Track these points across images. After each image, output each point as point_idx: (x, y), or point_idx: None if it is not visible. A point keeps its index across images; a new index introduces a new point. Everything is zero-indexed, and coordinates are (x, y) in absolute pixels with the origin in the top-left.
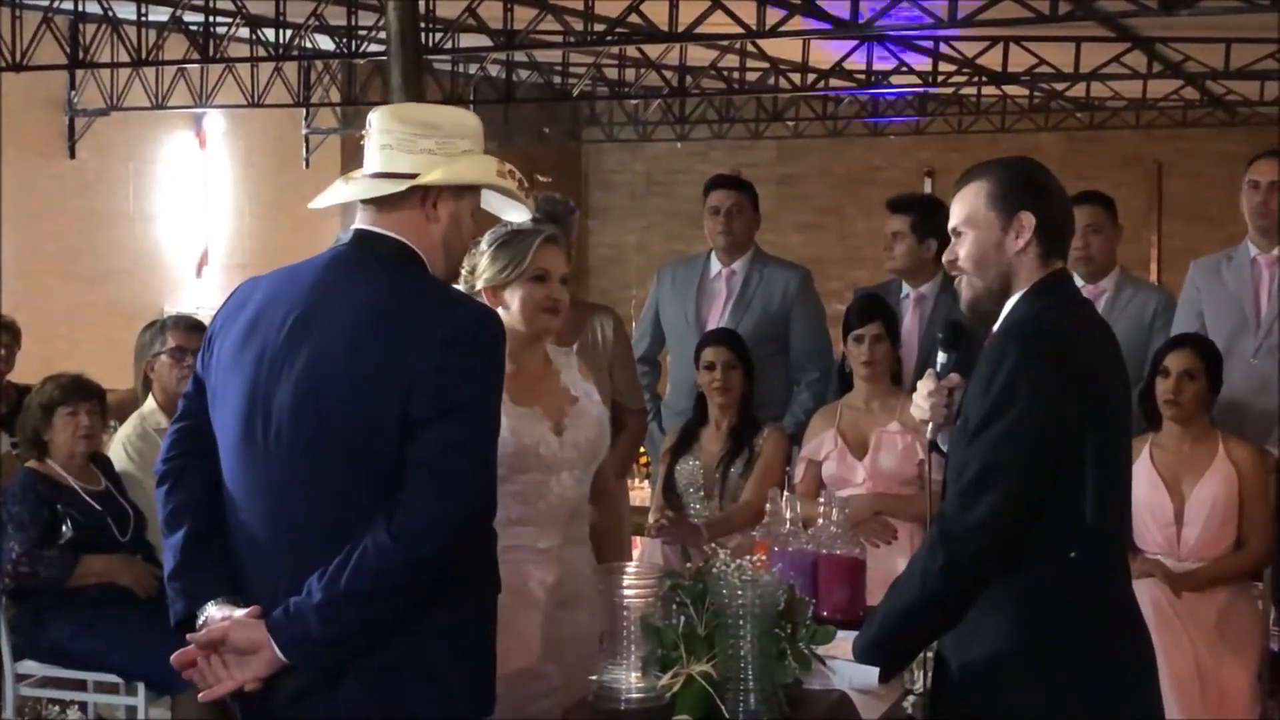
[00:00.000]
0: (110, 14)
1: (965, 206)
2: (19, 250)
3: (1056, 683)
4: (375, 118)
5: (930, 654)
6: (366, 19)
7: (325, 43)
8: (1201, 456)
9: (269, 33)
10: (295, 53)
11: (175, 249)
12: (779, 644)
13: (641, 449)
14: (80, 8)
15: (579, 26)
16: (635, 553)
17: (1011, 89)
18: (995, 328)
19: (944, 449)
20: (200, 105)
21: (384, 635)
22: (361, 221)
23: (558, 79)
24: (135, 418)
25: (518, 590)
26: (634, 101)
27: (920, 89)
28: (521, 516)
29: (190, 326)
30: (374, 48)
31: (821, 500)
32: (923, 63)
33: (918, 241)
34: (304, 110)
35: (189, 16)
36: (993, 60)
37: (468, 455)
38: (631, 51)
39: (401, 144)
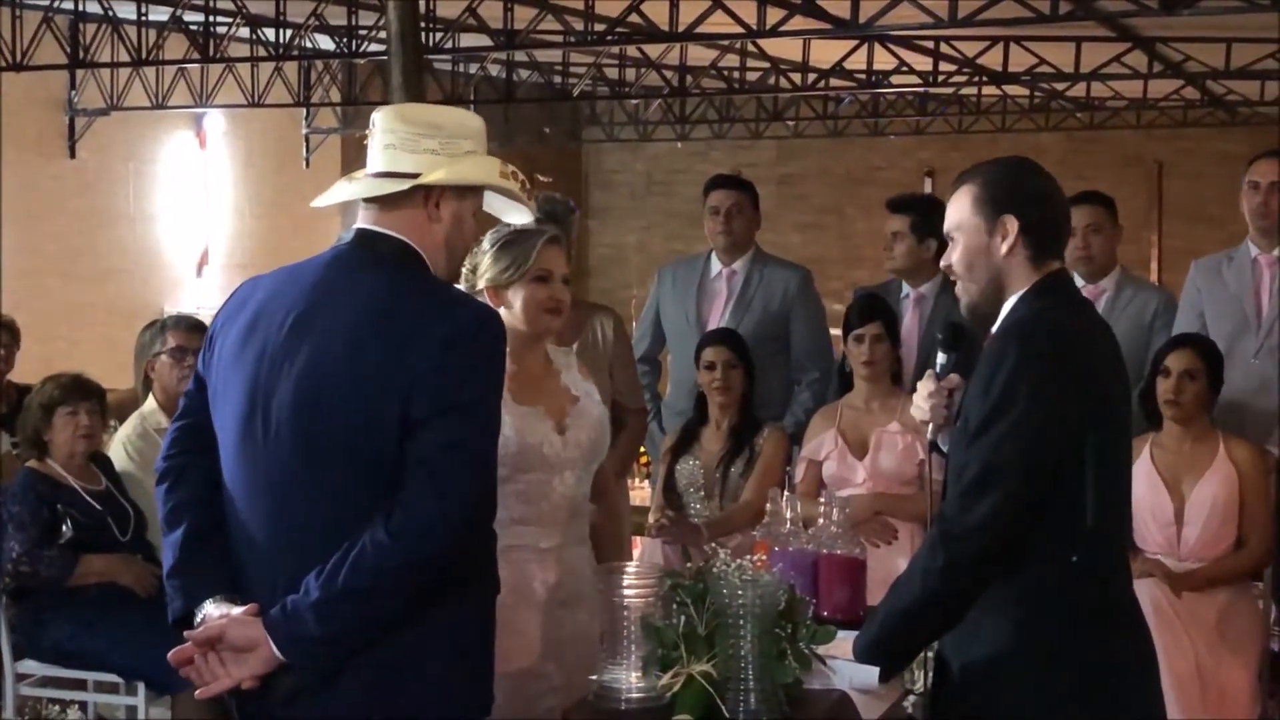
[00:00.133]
0: (110, 14)
1: (955, 211)
2: (19, 250)
3: (1057, 683)
4: (379, 117)
5: (931, 654)
6: (367, 19)
7: (325, 42)
8: (1202, 456)
9: (269, 32)
10: (295, 52)
11: (175, 249)
12: (779, 644)
13: (642, 449)
14: (80, 7)
15: (579, 26)
16: (635, 552)
17: (1012, 89)
18: (994, 329)
19: (944, 450)
20: (200, 105)
21: (381, 634)
22: (364, 221)
23: (558, 79)
24: (135, 417)
25: (519, 589)
26: (634, 101)
27: (920, 89)
28: (524, 516)
29: (190, 326)
30: (374, 47)
31: (822, 500)
32: (923, 62)
33: (917, 241)
34: (304, 110)
35: (189, 16)
36: (993, 60)
37: (467, 455)
38: (632, 51)
39: (405, 144)
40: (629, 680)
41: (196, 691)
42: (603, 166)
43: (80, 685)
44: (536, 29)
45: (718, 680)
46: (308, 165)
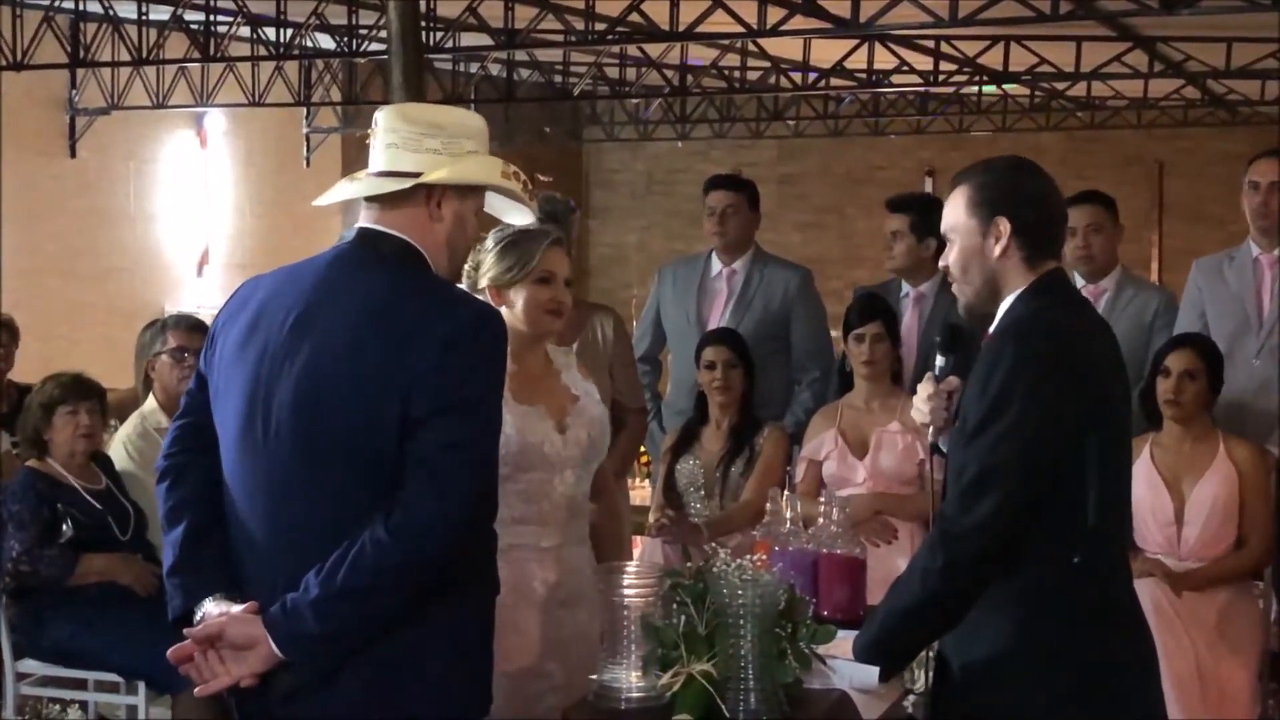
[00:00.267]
0: (111, 13)
1: (949, 214)
2: (19, 249)
3: (1057, 683)
4: (381, 117)
5: (931, 653)
6: (367, 18)
7: (326, 42)
8: (1202, 456)
9: (270, 32)
10: (296, 52)
11: (176, 248)
12: (779, 643)
13: (642, 448)
14: (81, 7)
15: (580, 26)
16: (635, 552)
17: (1012, 88)
18: (992, 329)
19: (945, 451)
20: (201, 104)
21: (381, 633)
22: (365, 220)
23: (559, 78)
24: (136, 417)
25: (520, 589)
26: (635, 101)
27: (921, 88)
28: (525, 515)
29: (191, 326)
30: (375, 47)
31: (822, 500)
32: (924, 62)
33: (917, 240)
34: (305, 109)
35: (190, 15)
36: (994, 59)
37: (468, 454)
38: (632, 50)
39: (407, 143)
40: (629, 680)
41: (196, 689)
42: (603, 166)
43: (81, 685)
44: (537, 28)
45: (718, 680)
46: (308, 165)
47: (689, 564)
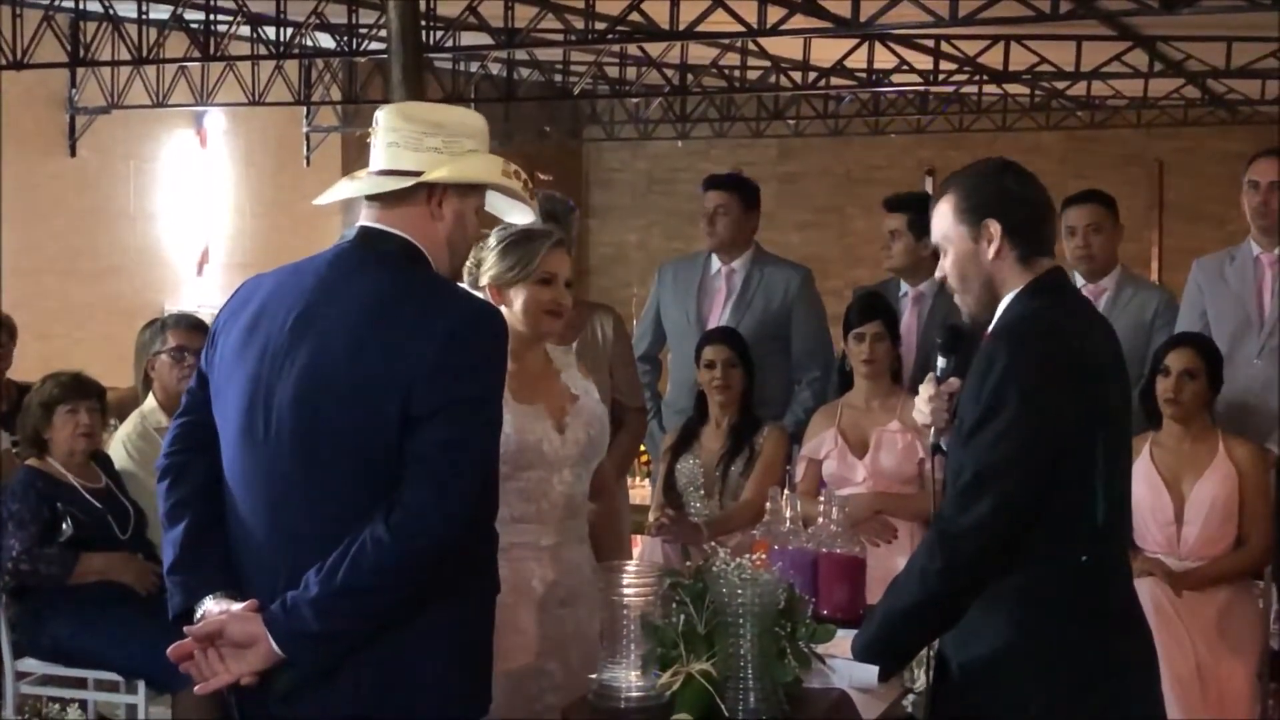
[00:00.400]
0: (111, 12)
1: (938, 225)
2: (19, 248)
3: (1057, 682)
4: (382, 116)
5: (931, 652)
6: (367, 17)
7: (326, 41)
8: (1201, 455)
9: (270, 31)
10: (296, 51)
11: (176, 247)
12: (779, 643)
13: (642, 447)
14: (81, 6)
15: (580, 25)
16: (635, 551)
17: (1012, 88)
18: (990, 328)
19: (947, 451)
20: (201, 103)
21: (381, 632)
22: (366, 219)
23: (559, 77)
24: (135, 416)
25: (519, 588)
26: (635, 100)
27: (921, 87)
28: (524, 514)
29: (190, 325)
30: (375, 46)
31: (821, 499)
32: (924, 61)
33: (915, 239)
34: (305, 108)
35: (190, 14)
36: (994, 59)
37: (468, 453)
38: (632, 50)
39: (408, 142)
40: (628, 679)
41: (196, 687)
42: (603, 165)
43: (80, 684)
44: (537, 27)
45: (717, 679)
46: (308, 164)
47: (688, 563)
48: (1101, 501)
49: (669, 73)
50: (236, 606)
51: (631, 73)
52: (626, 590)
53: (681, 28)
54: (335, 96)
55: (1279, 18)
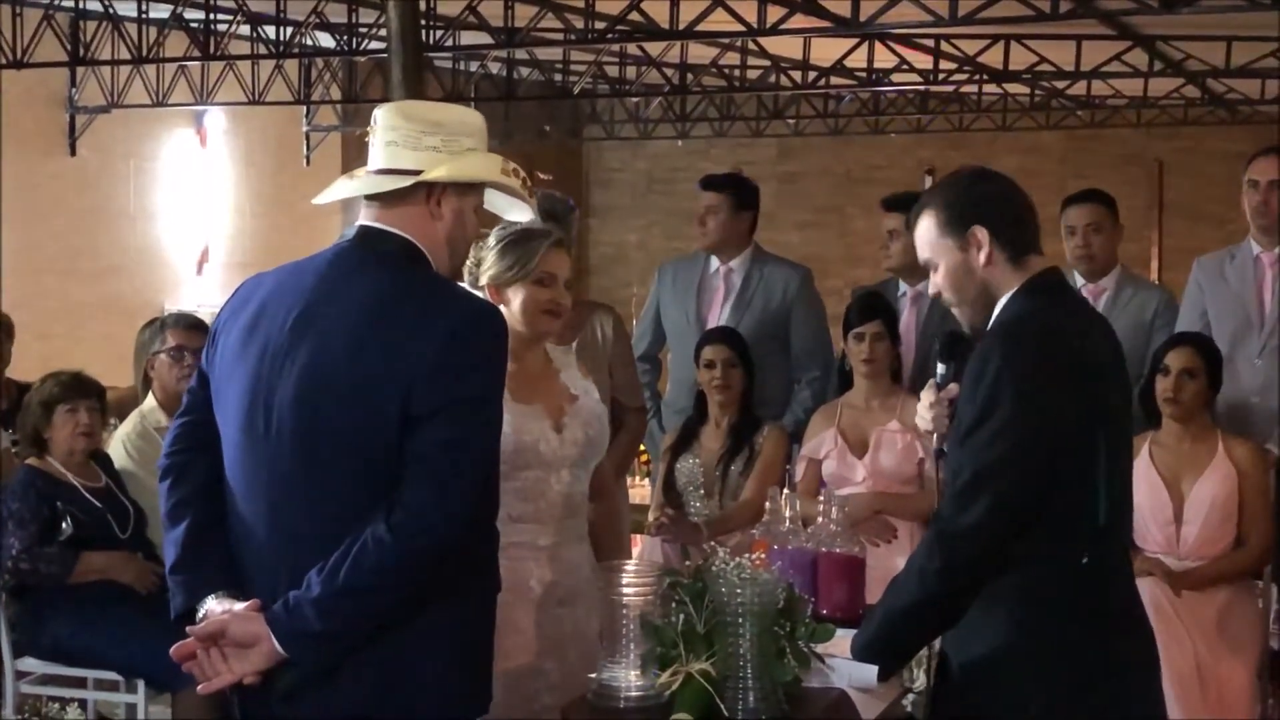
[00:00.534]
0: (111, 11)
1: (923, 245)
2: (19, 248)
3: (1058, 682)
4: (380, 114)
5: (932, 651)
6: (367, 16)
7: (326, 40)
8: (1201, 455)
9: (270, 30)
10: (296, 50)
11: (176, 247)
12: (778, 642)
13: (642, 447)
14: (81, 5)
15: (580, 24)
16: (635, 551)
17: (1012, 87)
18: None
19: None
20: (201, 103)
21: (383, 631)
22: (366, 218)
23: (559, 76)
24: (135, 415)
25: (516, 587)
26: (635, 99)
27: (921, 87)
28: (522, 514)
29: (190, 325)
30: (375, 45)
31: (821, 499)
32: (924, 61)
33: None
34: (305, 108)
35: (190, 14)
36: (994, 58)
37: (468, 452)
38: (632, 49)
39: (407, 141)
40: (628, 678)
41: (199, 687)
42: (603, 164)
43: (80, 683)
44: (537, 27)
45: (716, 679)
46: (308, 163)
47: (688, 563)
48: (1103, 502)
49: (669, 72)
50: (239, 606)
51: (631, 72)
52: (626, 590)
53: (681, 27)
54: (335, 96)
55: (1279, 17)
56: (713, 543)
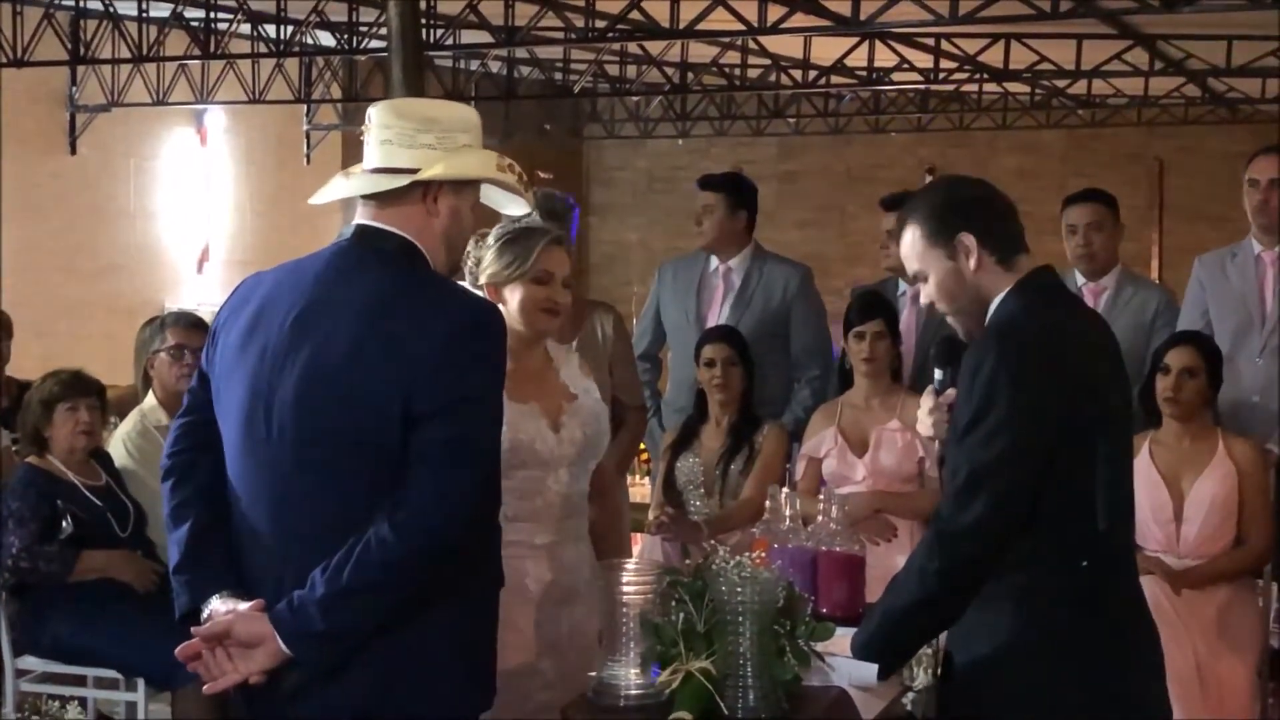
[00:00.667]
0: (111, 10)
1: (910, 258)
2: (19, 246)
3: (1060, 681)
4: (374, 113)
5: (933, 649)
6: (368, 15)
7: (326, 39)
8: (1201, 454)
9: (270, 29)
10: (296, 49)
11: (176, 245)
12: (778, 641)
13: (642, 446)
14: (81, 4)
15: (580, 23)
16: (635, 549)
17: (1013, 86)
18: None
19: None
20: (201, 101)
21: (386, 628)
22: (362, 216)
23: (559, 75)
24: (135, 414)
25: (514, 586)
26: (635, 98)
27: (921, 86)
28: (518, 513)
29: (190, 324)
30: (375, 44)
31: (821, 497)
32: (924, 60)
33: None
34: (305, 106)
35: (190, 12)
36: (994, 57)
37: (469, 449)
38: (633, 48)
39: (401, 139)
40: (628, 677)
41: (205, 687)
42: (604, 163)
43: (80, 681)
44: (537, 26)
45: (716, 677)
46: (309, 162)
47: (688, 561)
48: (1104, 501)
49: (669, 71)
50: (243, 606)
51: (632, 71)
52: (626, 588)
53: (682, 26)
54: (335, 94)
55: (1279, 16)
56: (713, 541)
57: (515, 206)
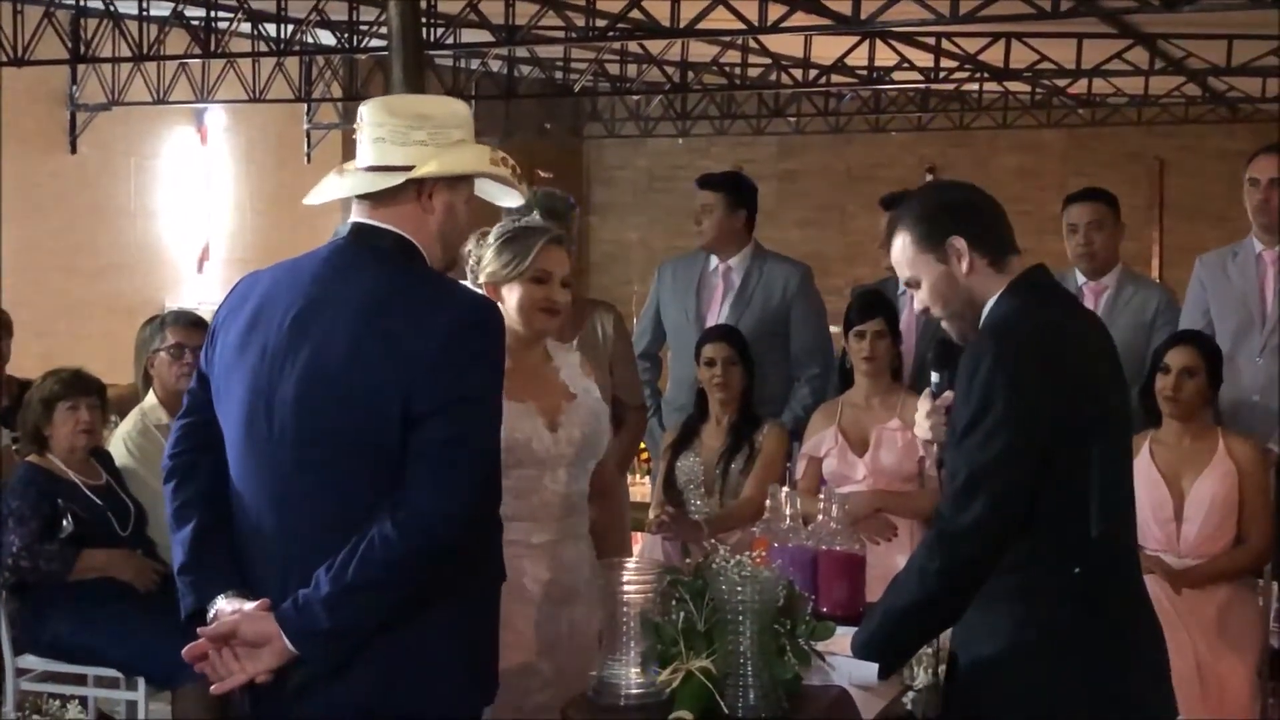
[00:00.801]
0: (112, 9)
1: (902, 263)
2: (20, 245)
3: (1062, 680)
4: (366, 110)
5: (936, 649)
6: (368, 14)
7: (327, 38)
8: (1201, 453)
9: (270, 28)
10: (297, 48)
11: (176, 244)
12: (778, 640)
13: (642, 445)
14: (82, 2)
15: (581, 22)
16: (635, 549)
17: (1013, 85)
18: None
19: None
20: (202, 100)
21: (390, 626)
22: (358, 214)
23: (559, 74)
24: (136, 413)
25: (511, 585)
26: (636, 97)
27: (922, 85)
28: (515, 512)
29: (190, 323)
30: (375, 43)
31: (821, 496)
32: (924, 59)
33: None
34: (305, 105)
35: (190, 11)
36: (994, 56)
37: (470, 448)
38: (633, 47)
39: (394, 136)
40: (628, 676)
41: (212, 687)
42: (604, 162)
43: (80, 680)
44: (538, 25)
45: (717, 676)
46: (309, 161)
47: (688, 560)
48: (1103, 502)
49: (670, 70)
50: (249, 606)
51: (632, 70)
52: (626, 587)
53: (682, 25)
54: (336, 93)
55: (1279, 16)
56: (713, 540)
57: (509, 198)
